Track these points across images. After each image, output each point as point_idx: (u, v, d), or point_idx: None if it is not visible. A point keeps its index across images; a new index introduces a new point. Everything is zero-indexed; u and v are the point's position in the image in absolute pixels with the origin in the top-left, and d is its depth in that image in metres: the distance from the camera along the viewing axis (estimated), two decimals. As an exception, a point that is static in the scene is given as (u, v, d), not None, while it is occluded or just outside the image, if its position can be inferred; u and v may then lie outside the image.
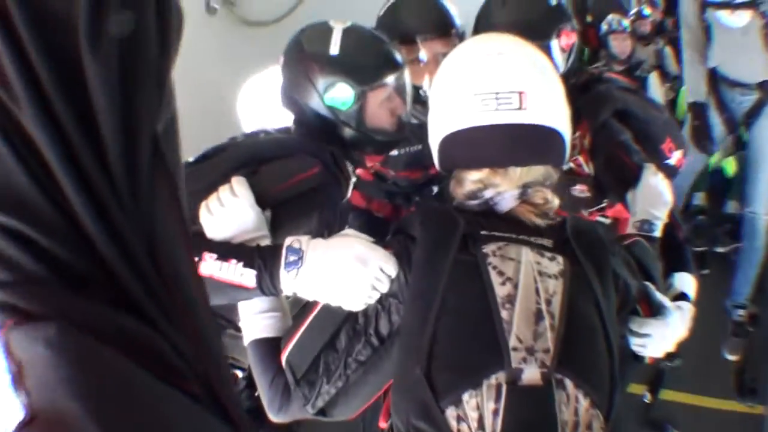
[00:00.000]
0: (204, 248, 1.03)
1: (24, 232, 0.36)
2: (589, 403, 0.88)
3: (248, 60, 2.36)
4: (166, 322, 0.41)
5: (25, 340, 0.37)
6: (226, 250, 1.04)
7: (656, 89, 4.16)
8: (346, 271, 0.97)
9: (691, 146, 2.74)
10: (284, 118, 1.46)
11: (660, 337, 1.16)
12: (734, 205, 3.54)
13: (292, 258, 1.00)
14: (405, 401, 0.91)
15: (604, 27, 4.15)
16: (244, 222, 1.10)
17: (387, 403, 1.02)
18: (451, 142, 1.03)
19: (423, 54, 1.73)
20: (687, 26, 2.77)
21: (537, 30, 1.53)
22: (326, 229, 1.28)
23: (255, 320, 1.08)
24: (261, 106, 1.51)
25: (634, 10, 4.69)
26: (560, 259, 0.96)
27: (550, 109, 1.00)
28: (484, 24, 1.63)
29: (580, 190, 1.72)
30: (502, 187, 1.02)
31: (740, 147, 2.94)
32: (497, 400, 0.86)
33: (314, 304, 1.02)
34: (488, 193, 1.03)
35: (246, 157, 1.26)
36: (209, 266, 1.01)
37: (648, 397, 2.37)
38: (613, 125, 1.63)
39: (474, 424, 0.86)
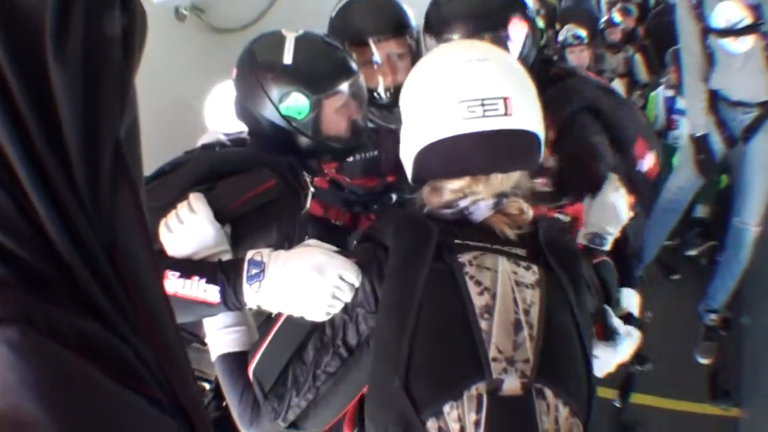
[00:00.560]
0: (166, 266, 1.03)
1: None
2: (569, 412, 0.88)
3: (217, 66, 2.33)
4: (129, 328, 0.42)
5: None
6: (189, 268, 1.04)
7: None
8: (304, 281, 0.97)
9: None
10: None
11: (605, 360, 1.17)
12: (703, 209, 3.61)
13: (254, 271, 1.00)
14: (383, 412, 0.89)
15: (560, 39, 4.04)
16: (204, 238, 1.10)
17: (351, 410, 1.00)
18: (431, 151, 0.99)
19: (377, 56, 1.70)
20: (689, 53, 2.71)
21: (489, 20, 1.52)
22: (286, 241, 1.28)
23: (221, 335, 1.08)
24: (229, 112, 1.51)
25: (604, 18, 4.74)
26: (536, 268, 0.95)
27: (531, 113, 0.99)
28: (435, 19, 1.59)
29: (540, 183, 1.67)
30: (481, 195, 1.00)
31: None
32: (478, 410, 0.84)
33: (278, 315, 1.01)
34: (463, 203, 1.01)
35: (203, 173, 1.26)
36: (172, 284, 1.02)
37: (618, 402, 2.38)
38: (585, 122, 1.60)
39: None
